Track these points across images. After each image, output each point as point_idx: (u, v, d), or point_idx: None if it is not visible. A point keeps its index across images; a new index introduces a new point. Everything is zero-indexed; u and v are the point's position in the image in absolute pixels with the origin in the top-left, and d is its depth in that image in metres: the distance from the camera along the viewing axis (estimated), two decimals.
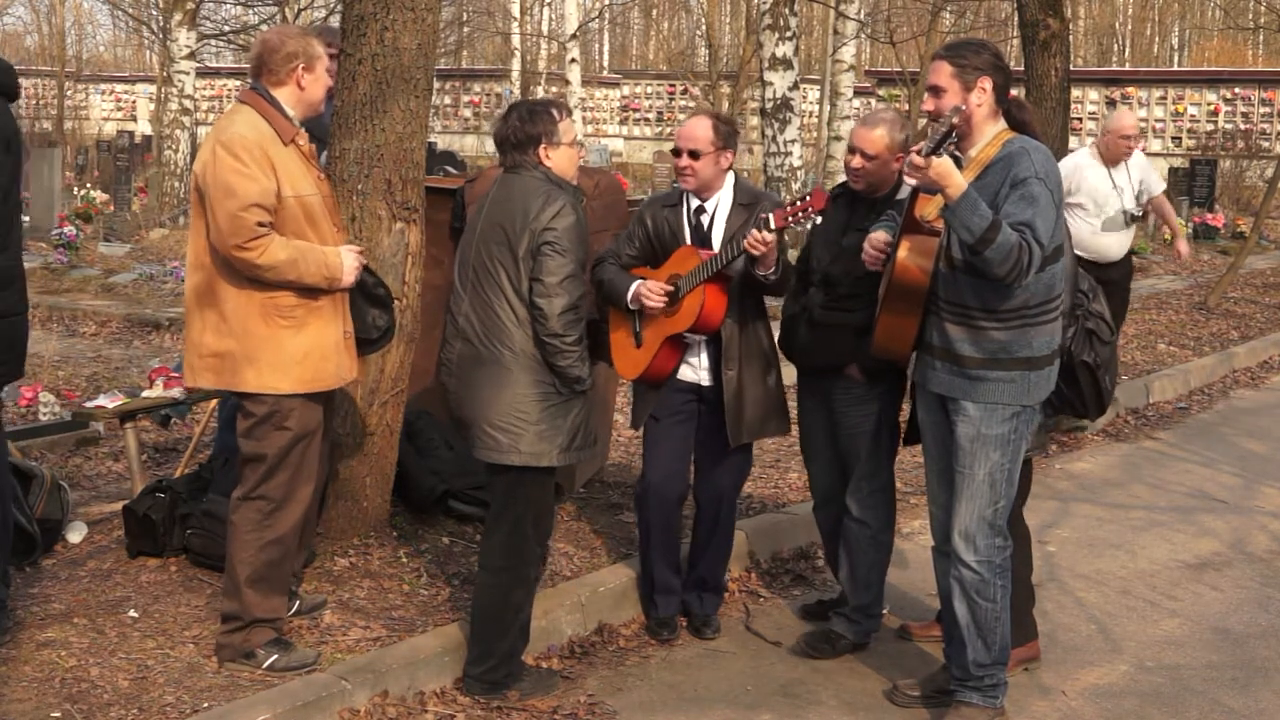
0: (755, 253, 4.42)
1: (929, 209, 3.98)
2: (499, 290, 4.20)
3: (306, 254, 4.10)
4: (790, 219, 4.44)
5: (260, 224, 4.01)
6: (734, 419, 4.67)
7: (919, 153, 3.84)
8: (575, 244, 4.16)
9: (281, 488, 4.21)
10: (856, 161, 4.62)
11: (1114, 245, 7.64)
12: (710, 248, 4.64)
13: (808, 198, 4.44)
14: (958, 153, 4.10)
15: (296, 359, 4.14)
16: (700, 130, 4.61)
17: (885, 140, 4.57)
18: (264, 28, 21.93)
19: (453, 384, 4.33)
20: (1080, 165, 7.63)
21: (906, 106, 18.19)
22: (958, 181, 3.79)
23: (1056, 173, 3.94)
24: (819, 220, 4.47)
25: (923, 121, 4.09)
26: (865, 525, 4.75)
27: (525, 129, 4.25)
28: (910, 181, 3.99)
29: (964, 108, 3.95)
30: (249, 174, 4.03)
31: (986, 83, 3.98)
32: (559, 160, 4.28)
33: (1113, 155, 7.59)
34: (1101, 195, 7.52)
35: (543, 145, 4.25)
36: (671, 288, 4.58)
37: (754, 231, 4.39)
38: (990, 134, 4.04)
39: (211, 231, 4.07)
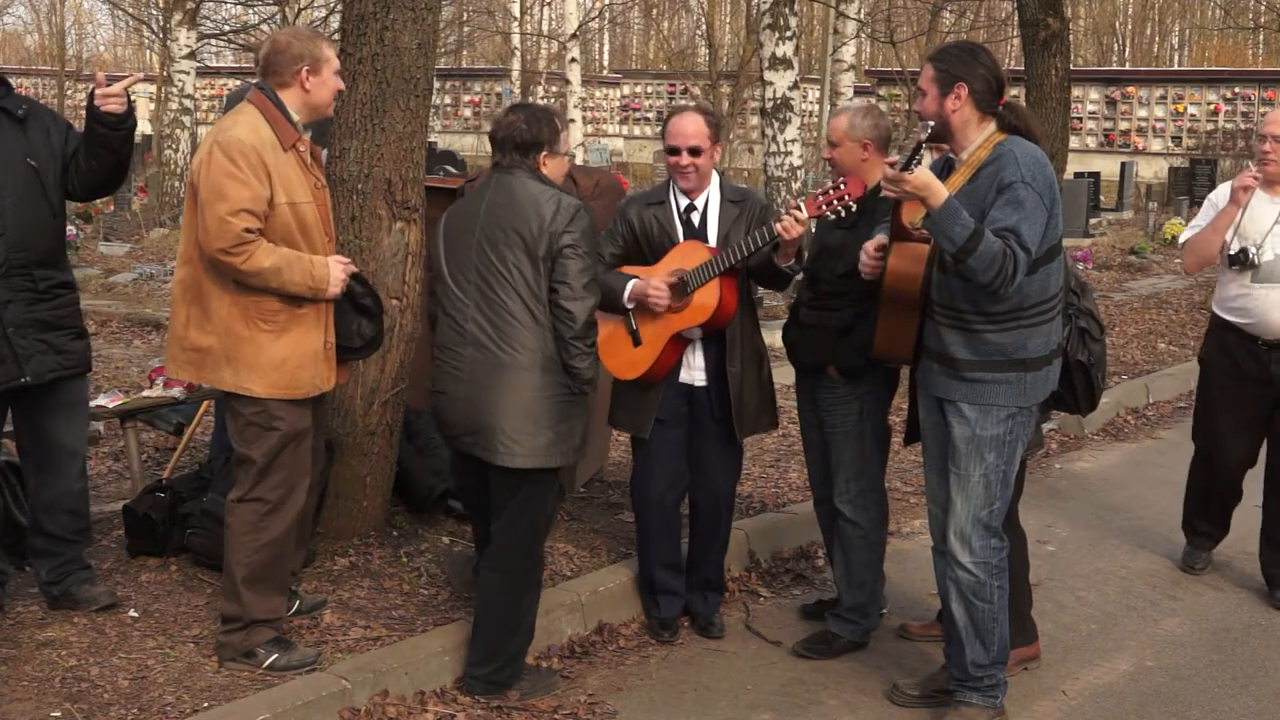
0: (788, 237, 4.40)
1: (916, 215, 3.98)
2: (515, 294, 4.14)
3: (293, 263, 4.08)
4: (824, 206, 4.41)
5: (248, 230, 3.99)
6: (739, 414, 4.69)
7: (894, 166, 3.86)
8: (593, 247, 4.22)
9: (276, 489, 4.20)
10: (826, 151, 4.70)
11: (1275, 310, 5.27)
12: (706, 245, 4.64)
13: (842, 185, 4.41)
14: (951, 154, 4.12)
15: (274, 364, 4.12)
16: (697, 127, 4.60)
17: (844, 126, 4.59)
18: (264, 28, 21.96)
19: (462, 391, 4.21)
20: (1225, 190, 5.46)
21: (906, 106, 18.19)
22: (938, 192, 3.80)
23: (1045, 175, 3.91)
24: (854, 208, 4.42)
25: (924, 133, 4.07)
26: (856, 525, 4.74)
27: (532, 132, 4.24)
28: (889, 193, 3.98)
29: (933, 124, 3.99)
30: (242, 178, 4.01)
31: (962, 90, 3.98)
32: (553, 168, 4.31)
33: (1266, 171, 5.31)
34: (1242, 229, 5.30)
35: (544, 152, 4.26)
36: (674, 280, 4.58)
37: (787, 216, 4.39)
38: (981, 137, 4.04)
39: (199, 232, 4.07)
